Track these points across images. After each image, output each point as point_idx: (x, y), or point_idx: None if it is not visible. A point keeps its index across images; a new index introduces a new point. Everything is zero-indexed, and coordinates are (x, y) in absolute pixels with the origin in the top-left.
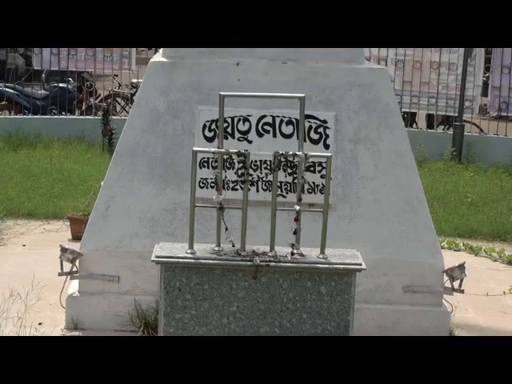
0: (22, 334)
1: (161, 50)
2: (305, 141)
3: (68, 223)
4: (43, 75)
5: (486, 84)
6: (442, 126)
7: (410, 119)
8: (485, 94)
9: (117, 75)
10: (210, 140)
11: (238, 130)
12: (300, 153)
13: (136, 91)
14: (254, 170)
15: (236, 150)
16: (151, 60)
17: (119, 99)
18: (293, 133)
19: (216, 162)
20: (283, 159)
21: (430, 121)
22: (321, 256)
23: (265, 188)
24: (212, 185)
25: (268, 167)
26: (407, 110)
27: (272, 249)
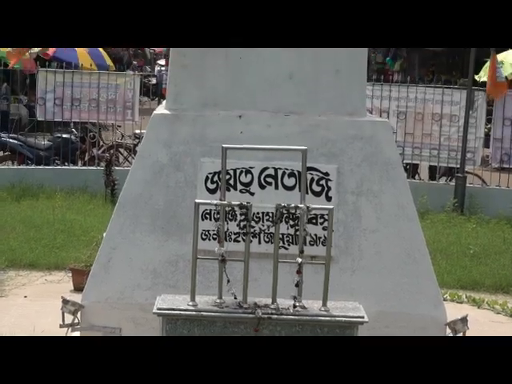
0: None
1: (164, 102)
2: (307, 193)
3: (70, 274)
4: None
5: (487, 135)
6: (445, 178)
7: (412, 170)
8: (487, 145)
9: (120, 126)
10: (212, 192)
11: (241, 182)
12: (302, 205)
13: (139, 142)
14: (256, 222)
15: (238, 202)
16: (154, 112)
17: (122, 150)
18: (295, 185)
19: (218, 213)
20: (285, 211)
21: (433, 172)
22: (323, 308)
23: (267, 240)
24: (214, 237)
25: (270, 219)
26: (409, 162)
27: (274, 301)
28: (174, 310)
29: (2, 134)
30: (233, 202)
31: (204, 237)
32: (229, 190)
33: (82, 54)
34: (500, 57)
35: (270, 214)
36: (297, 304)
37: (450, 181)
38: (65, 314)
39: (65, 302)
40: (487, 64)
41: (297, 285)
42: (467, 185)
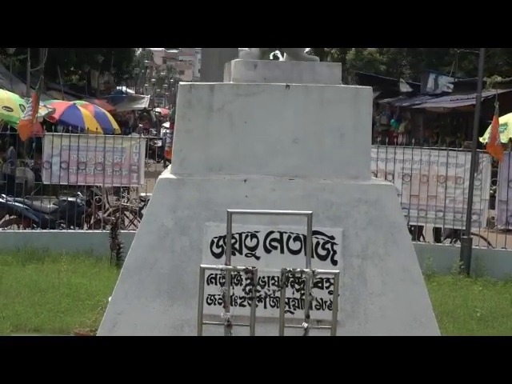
0: None
1: (169, 167)
2: (312, 257)
3: None
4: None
5: (493, 197)
6: (449, 239)
7: (417, 232)
8: (492, 206)
9: (125, 189)
10: (217, 256)
11: (246, 246)
12: (307, 269)
13: (144, 205)
14: (262, 287)
15: (243, 267)
16: (159, 177)
17: (128, 213)
18: (300, 249)
19: (224, 278)
20: (291, 276)
21: (437, 234)
22: None
23: (272, 304)
24: (220, 301)
25: (276, 283)
26: (414, 224)
27: None
28: None
29: (8, 198)
30: (238, 267)
31: (209, 301)
32: (234, 254)
33: (88, 118)
34: (504, 119)
35: (276, 279)
36: None
37: (454, 242)
38: None
39: None
40: (491, 126)
41: None
42: (473, 247)
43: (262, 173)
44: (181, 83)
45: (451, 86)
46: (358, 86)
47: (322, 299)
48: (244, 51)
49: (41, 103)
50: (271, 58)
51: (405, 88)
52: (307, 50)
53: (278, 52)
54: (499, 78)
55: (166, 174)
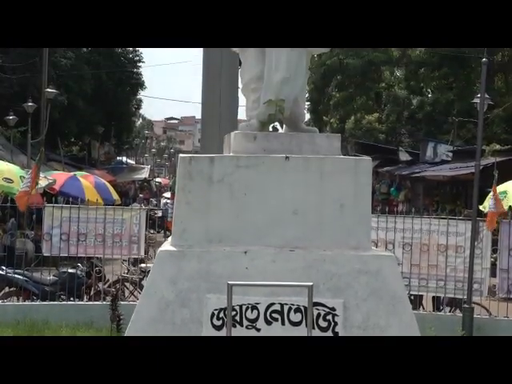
0: None
1: (169, 238)
2: (313, 328)
3: None
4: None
5: (494, 265)
6: (449, 308)
7: (417, 301)
8: (493, 274)
9: (125, 260)
10: (218, 328)
11: (247, 318)
12: None
13: (144, 276)
14: None
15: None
16: (160, 249)
17: (128, 284)
18: (301, 320)
19: None
20: None
21: (437, 303)
22: None
23: None
24: None
25: None
26: (416, 293)
27: None
28: None
29: (8, 270)
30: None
31: None
32: (235, 326)
33: (89, 189)
34: (503, 187)
35: None
36: None
37: (454, 311)
38: None
39: None
40: (490, 194)
41: None
42: (475, 316)
43: (263, 244)
44: (181, 155)
45: (450, 154)
46: (357, 158)
47: None
48: (243, 123)
49: (41, 174)
50: (270, 129)
51: (404, 156)
52: (306, 120)
53: (277, 124)
54: (498, 146)
55: (167, 245)
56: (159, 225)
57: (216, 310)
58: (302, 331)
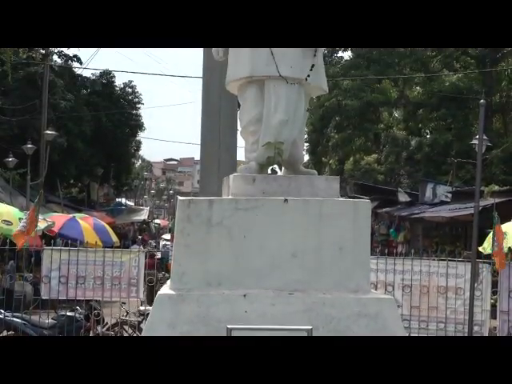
0: None
1: (168, 282)
2: None
3: None
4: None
5: (494, 306)
6: None
7: None
8: (494, 315)
9: (124, 303)
10: None
11: None
12: None
13: (143, 319)
14: None
15: None
16: (159, 293)
17: (126, 327)
18: None
19: None
20: None
21: None
22: None
23: None
24: None
25: None
26: (416, 335)
27: None
28: None
29: (6, 313)
30: None
31: None
32: None
33: (88, 231)
34: (503, 228)
35: None
36: None
37: None
38: None
39: None
40: (490, 235)
41: None
42: None
43: (262, 287)
44: (180, 198)
45: (449, 195)
46: (356, 200)
47: None
48: (242, 165)
49: (40, 216)
50: (269, 171)
51: (403, 197)
52: (305, 161)
53: (275, 166)
54: (497, 187)
55: (166, 289)
56: (158, 267)
57: None
58: None
